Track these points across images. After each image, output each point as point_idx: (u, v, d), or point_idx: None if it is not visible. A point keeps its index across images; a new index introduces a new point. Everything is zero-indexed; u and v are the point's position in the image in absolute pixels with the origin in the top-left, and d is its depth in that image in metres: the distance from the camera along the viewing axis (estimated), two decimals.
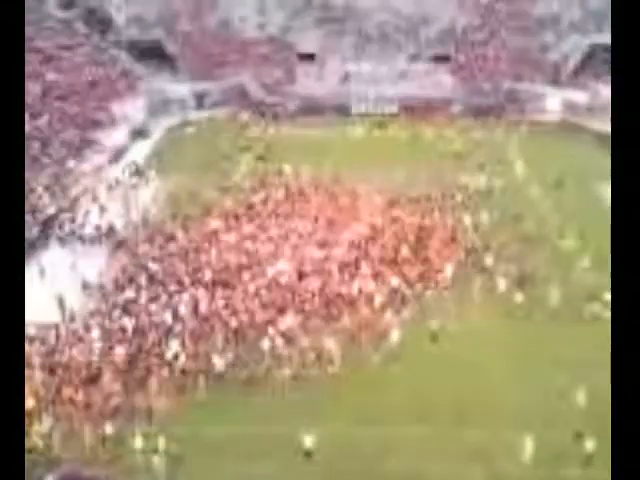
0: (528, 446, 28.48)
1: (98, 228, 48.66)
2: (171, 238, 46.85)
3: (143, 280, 41.17)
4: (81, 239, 47.40)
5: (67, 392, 31.79)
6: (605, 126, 71.12)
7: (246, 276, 41.30)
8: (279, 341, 35.44)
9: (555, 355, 35.22)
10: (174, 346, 34.65)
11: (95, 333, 35.92)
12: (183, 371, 33.54)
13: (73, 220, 49.80)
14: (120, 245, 46.36)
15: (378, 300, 39.19)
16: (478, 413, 31.37)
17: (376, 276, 41.47)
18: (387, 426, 30.53)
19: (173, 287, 40.30)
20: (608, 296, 39.17)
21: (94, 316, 37.92)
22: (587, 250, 45.07)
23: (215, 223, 48.85)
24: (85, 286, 41.09)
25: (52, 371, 33.12)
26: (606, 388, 30.71)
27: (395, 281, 40.99)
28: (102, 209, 51.65)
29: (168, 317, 37.17)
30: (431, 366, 34.61)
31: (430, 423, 30.66)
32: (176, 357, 34.13)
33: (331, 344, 34.77)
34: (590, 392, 31.48)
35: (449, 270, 42.60)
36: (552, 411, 31.19)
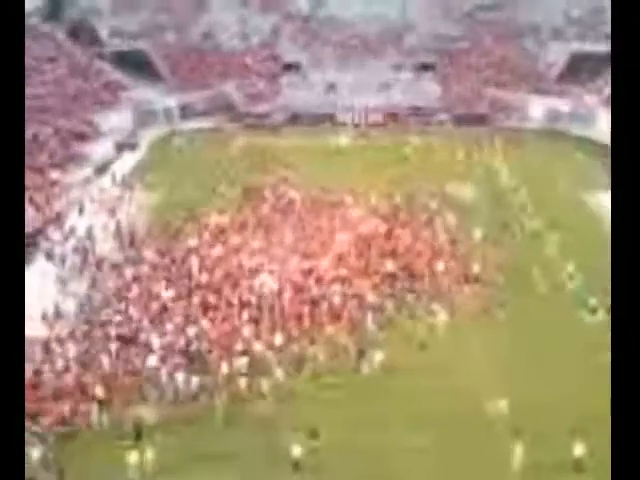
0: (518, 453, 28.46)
1: (83, 241, 48.41)
2: (157, 250, 46.65)
3: (129, 294, 40.94)
4: (67, 252, 47.07)
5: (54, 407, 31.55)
6: (589, 133, 71.83)
7: (231, 289, 41.04)
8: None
9: (546, 361, 35.39)
10: (154, 360, 34.52)
11: (79, 348, 35.70)
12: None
13: (59, 233, 49.58)
14: (105, 259, 46.09)
15: (364, 310, 39.18)
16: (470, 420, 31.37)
17: (362, 286, 41.39)
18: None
19: (157, 301, 40.03)
20: (594, 301, 39.60)
21: (79, 331, 37.56)
22: (572, 256, 45.49)
23: (202, 235, 48.69)
24: (71, 301, 40.84)
25: (35, 387, 32.64)
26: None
27: (382, 291, 41.13)
28: (88, 222, 51.44)
29: (154, 332, 36.98)
30: (421, 375, 34.55)
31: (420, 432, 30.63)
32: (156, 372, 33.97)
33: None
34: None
35: (436, 279, 42.68)
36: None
